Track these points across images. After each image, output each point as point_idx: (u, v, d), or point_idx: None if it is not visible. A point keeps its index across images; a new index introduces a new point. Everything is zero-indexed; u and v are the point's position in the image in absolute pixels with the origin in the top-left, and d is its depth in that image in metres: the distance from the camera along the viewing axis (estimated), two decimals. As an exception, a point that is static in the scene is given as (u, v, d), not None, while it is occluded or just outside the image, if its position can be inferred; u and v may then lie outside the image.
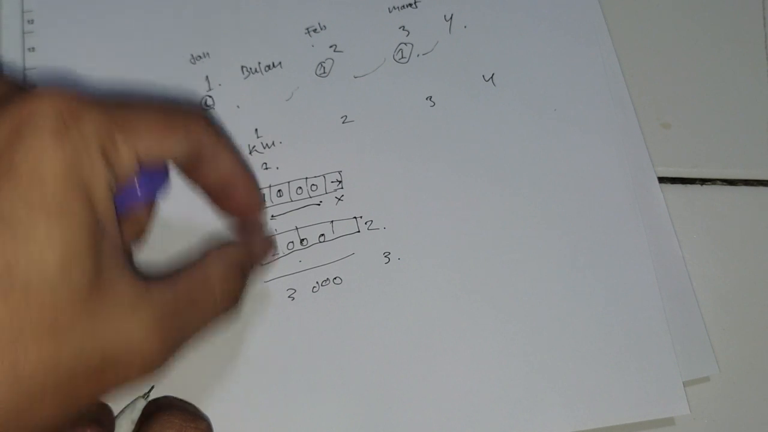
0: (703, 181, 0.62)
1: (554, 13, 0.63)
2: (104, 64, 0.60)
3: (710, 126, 0.63)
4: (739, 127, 0.63)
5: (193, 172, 0.48)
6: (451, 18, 0.62)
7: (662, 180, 0.60)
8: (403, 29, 0.62)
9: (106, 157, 0.40)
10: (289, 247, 0.57)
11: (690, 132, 0.62)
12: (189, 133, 0.45)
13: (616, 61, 0.62)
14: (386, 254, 0.57)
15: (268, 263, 0.55)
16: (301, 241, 0.57)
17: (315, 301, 0.56)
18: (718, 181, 0.62)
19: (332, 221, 0.57)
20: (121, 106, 0.42)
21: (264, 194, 0.57)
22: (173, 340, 0.43)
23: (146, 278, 0.42)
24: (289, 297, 0.56)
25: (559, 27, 0.62)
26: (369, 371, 0.55)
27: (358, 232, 0.57)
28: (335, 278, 0.56)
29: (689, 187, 0.61)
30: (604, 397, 0.54)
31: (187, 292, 0.44)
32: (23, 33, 0.61)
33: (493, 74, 0.61)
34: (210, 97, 0.60)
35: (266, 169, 0.58)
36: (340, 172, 0.58)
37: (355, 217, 0.57)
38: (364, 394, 0.54)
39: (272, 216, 0.57)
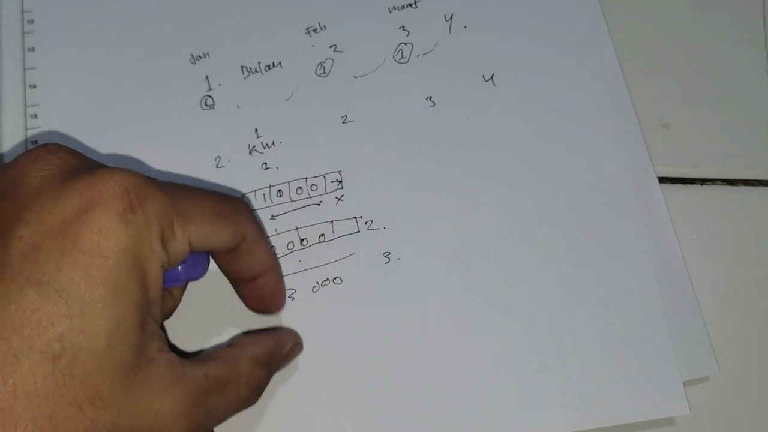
0: (703, 181, 0.62)
1: (554, 13, 0.63)
2: (104, 64, 0.61)
3: (710, 126, 0.63)
4: (739, 127, 0.63)
5: (229, 259, 0.49)
6: (451, 18, 0.62)
7: (662, 180, 0.60)
8: (403, 29, 0.62)
9: (164, 241, 0.43)
10: (289, 247, 0.57)
11: (690, 132, 0.62)
12: (237, 225, 0.47)
13: (616, 61, 0.62)
14: (386, 254, 0.57)
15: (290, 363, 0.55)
16: (301, 241, 0.57)
17: (315, 301, 0.56)
18: (718, 181, 0.62)
19: (332, 221, 0.57)
20: (180, 191, 0.45)
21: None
22: (198, 425, 0.44)
23: (180, 356, 0.44)
24: (289, 297, 0.56)
25: (559, 27, 0.62)
26: (369, 371, 0.55)
27: (358, 232, 0.57)
28: (335, 278, 0.56)
29: (689, 187, 0.61)
30: (604, 397, 0.54)
31: (217, 377, 0.45)
32: (23, 33, 0.62)
33: (493, 74, 0.61)
34: (210, 97, 0.60)
35: (266, 169, 0.58)
36: (340, 172, 0.58)
37: (355, 217, 0.58)
38: (365, 393, 0.54)
39: (272, 216, 0.57)
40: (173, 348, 0.49)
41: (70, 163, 0.43)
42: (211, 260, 0.50)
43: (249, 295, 0.52)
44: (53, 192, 0.40)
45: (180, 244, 0.44)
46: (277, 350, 0.51)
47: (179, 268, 0.47)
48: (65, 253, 0.39)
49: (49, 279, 0.38)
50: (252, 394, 0.48)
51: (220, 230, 0.46)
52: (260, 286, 0.52)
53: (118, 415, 0.40)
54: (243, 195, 0.58)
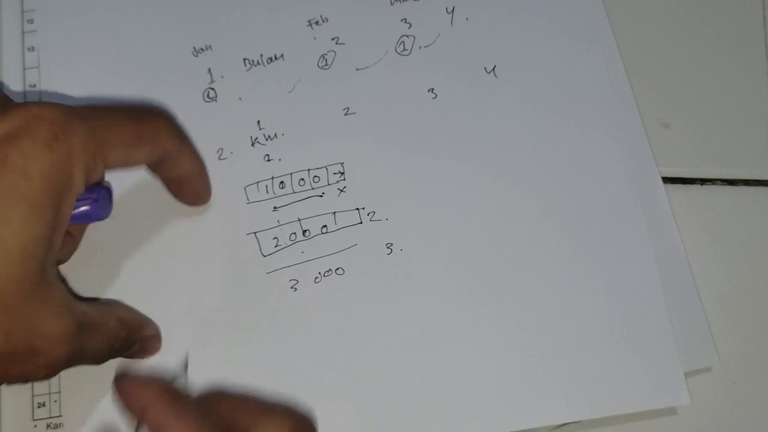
0: (703, 181, 0.63)
1: (556, 6, 0.64)
2: (105, 60, 0.62)
3: (710, 126, 0.64)
4: (739, 127, 0.64)
5: (155, 169, 0.54)
6: (452, 10, 0.64)
7: (663, 180, 0.62)
8: (405, 21, 0.64)
9: (86, 171, 0.46)
10: (292, 238, 0.58)
11: (690, 132, 0.64)
12: (155, 144, 0.51)
13: (618, 54, 0.64)
14: (388, 245, 0.58)
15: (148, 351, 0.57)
16: (304, 232, 0.58)
17: (317, 292, 0.57)
18: (718, 181, 0.63)
19: (334, 212, 0.59)
20: (101, 118, 0.48)
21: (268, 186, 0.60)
22: (73, 355, 0.47)
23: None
24: (291, 288, 0.57)
25: (561, 20, 0.64)
26: (370, 361, 0.56)
27: (361, 223, 0.59)
28: (337, 269, 0.58)
29: (689, 187, 0.63)
30: (606, 388, 0.56)
31: (91, 319, 0.49)
32: (23, 32, 0.63)
33: (494, 66, 0.63)
34: (212, 89, 0.62)
35: (269, 161, 0.60)
36: (342, 163, 0.60)
37: (357, 209, 0.59)
38: (366, 384, 0.55)
39: (275, 207, 0.59)
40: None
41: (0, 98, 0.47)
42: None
43: (173, 190, 0.57)
44: None
45: (98, 171, 0.47)
46: (139, 325, 0.54)
47: (89, 207, 0.50)
48: None
49: None
50: (108, 348, 0.51)
51: (139, 152, 0.50)
52: (185, 185, 0.56)
53: (15, 325, 0.43)
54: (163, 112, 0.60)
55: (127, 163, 0.50)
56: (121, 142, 0.48)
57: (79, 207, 0.49)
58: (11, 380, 0.45)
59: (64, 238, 0.49)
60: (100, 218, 0.51)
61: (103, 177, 0.48)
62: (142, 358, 0.55)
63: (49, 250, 0.44)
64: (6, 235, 0.41)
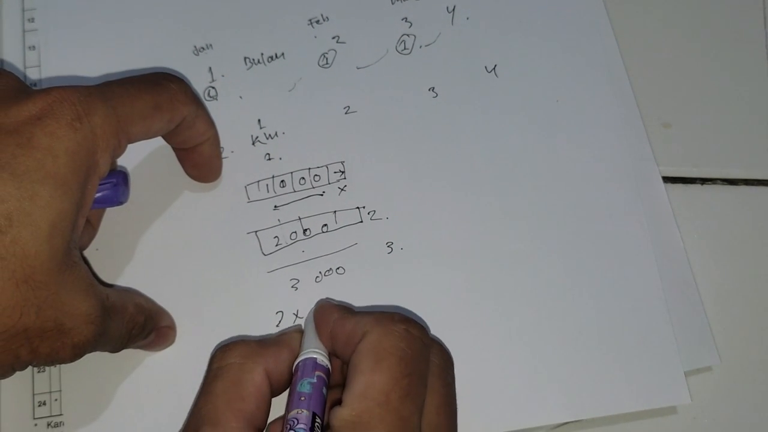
0: (703, 181, 0.64)
1: (557, 6, 0.65)
2: (106, 59, 0.63)
3: (711, 126, 0.65)
4: (739, 127, 0.65)
5: (170, 135, 0.55)
6: (453, 9, 0.65)
7: (663, 179, 0.62)
8: (406, 20, 0.64)
9: (109, 150, 0.47)
10: (292, 238, 0.59)
11: (691, 132, 0.65)
12: (174, 112, 0.52)
13: (619, 55, 0.65)
14: (389, 244, 0.59)
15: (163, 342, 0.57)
16: (304, 231, 0.59)
17: (318, 291, 0.58)
18: (719, 181, 0.64)
19: (335, 211, 0.59)
20: (119, 93, 0.49)
21: (269, 183, 0.60)
22: (99, 336, 0.48)
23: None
24: (292, 287, 0.58)
25: (561, 20, 0.65)
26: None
27: (361, 222, 0.59)
28: (338, 268, 0.58)
29: (690, 186, 0.63)
30: (606, 387, 0.56)
31: (112, 302, 0.50)
32: (24, 31, 0.64)
33: (495, 66, 0.63)
34: (213, 88, 0.62)
35: (269, 159, 0.61)
36: (342, 162, 0.61)
37: (357, 207, 0.60)
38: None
39: (275, 206, 0.59)
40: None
41: (21, 84, 0.48)
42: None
43: (188, 160, 0.59)
44: (9, 102, 0.45)
45: (122, 148, 0.49)
46: (156, 314, 0.55)
47: (109, 191, 0.52)
48: (20, 146, 0.43)
49: (5, 164, 0.43)
50: (127, 332, 0.52)
51: (159, 122, 0.51)
52: (199, 153, 0.57)
53: (46, 301, 0.44)
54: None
55: (147, 134, 0.51)
56: (141, 115, 0.50)
57: (99, 191, 0.50)
58: (40, 360, 0.45)
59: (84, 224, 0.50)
60: (120, 203, 0.53)
61: (123, 150, 0.50)
62: (156, 348, 0.56)
63: (74, 230, 0.45)
64: (34, 211, 0.43)
